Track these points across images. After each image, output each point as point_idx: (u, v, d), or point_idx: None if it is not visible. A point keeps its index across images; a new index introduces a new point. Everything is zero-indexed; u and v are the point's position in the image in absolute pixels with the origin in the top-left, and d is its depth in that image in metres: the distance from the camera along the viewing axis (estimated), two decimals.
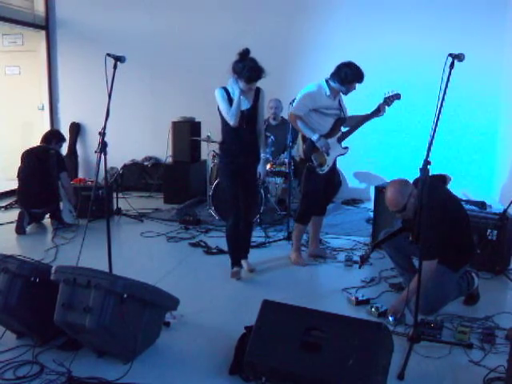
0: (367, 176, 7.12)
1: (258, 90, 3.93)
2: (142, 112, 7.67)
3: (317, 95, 4.14)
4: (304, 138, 4.23)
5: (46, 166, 5.38)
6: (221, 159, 4.10)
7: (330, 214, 5.51)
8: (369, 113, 4.27)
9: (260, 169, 4.07)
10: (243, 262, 4.21)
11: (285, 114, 5.94)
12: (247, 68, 3.69)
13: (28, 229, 5.40)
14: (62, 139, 5.81)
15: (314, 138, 4.13)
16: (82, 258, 3.20)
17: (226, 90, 3.84)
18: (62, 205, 5.54)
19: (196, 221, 5.65)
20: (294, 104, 4.26)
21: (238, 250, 4.16)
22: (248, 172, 4.00)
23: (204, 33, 7.11)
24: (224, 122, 3.89)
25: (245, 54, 3.77)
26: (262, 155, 4.07)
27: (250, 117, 3.89)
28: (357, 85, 4.17)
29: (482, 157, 6.64)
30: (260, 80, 3.80)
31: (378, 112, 4.25)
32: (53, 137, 5.70)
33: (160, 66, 7.48)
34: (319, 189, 4.30)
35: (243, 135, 3.89)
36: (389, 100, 4.25)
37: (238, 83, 3.76)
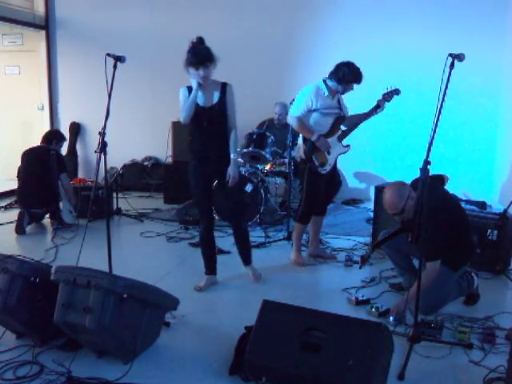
0: (367, 176, 7.11)
1: (224, 87, 3.65)
2: (142, 112, 7.66)
3: (315, 96, 4.13)
4: (305, 139, 4.23)
5: (46, 166, 5.38)
6: (191, 160, 3.79)
7: (329, 214, 5.50)
8: (368, 110, 4.27)
9: (230, 170, 3.66)
10: (248, 269, 4.06)
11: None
12: (192, 52, 3.46)
13: (28, 229, 5.39)
14: (63, 139, 5.81)
15: (313, 137, 4.13)
16: (82, 258, 3.19)
17: (189, 88, 3.60)
18: (61, 205, 5.54)
19: (196, 221, 5.62)
20: (293, 105, 4.27)
21: (212, 257, 3.95)
22: (223, 175, 3.71)
23: (204, 33, 7.04)
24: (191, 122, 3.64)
25: (197, 43, 3.53)
26: (232, 155, 3.68)
27: (212, 115, 3.60)
28: (355, 85, 4.18)
29: (482, 157, 6.63)
30: (210, 65, 3.47)
31: (377, 108, 4.25)
32: (53, 137, 5.70)
33: (160, 66, 7.47)
34: (320, 189, 4.30)
35: (209, 135, 3.64)
36: (387, 96, 4.26)
37: (190, 74, 3.51)
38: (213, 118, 3.62)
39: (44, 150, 5.49)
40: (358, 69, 4.11)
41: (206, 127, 3.61)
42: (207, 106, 3.61)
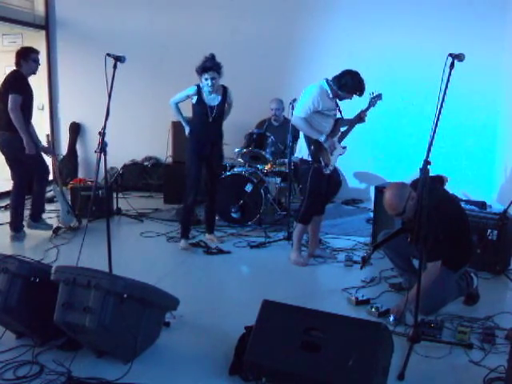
0: (367, 176, 7.12)
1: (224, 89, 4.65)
2: (142, 112, 7.65)
3: (321, 97, 4.11)
4: (309, 139, 4.20)
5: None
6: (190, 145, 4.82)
7: (330, 214, 5.50)
8: (352, 118, 4.36)
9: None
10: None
11: (286, 114, 5.94)
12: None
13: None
14: (32, 52, 4.75)
15: (322, 138, 4.11)
16: (82, 257, 3.20)
17: (197, 86, 4.66)
18: (60, 206, 5.51)
19: (196, 221, 5.64)
20: (298, 105, 4.22)
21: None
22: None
23: (204, 33, 7.10)
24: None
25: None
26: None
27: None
28: (354, 97, 4.17)
29: (482, 157, 6.63)
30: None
31: (359, 120, 4.33)
32: (19, 57, 4.70)
33: (160, 66, 7.47)
34: (323, 189, 4.30)
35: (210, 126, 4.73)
36: (374, 100, 4.36)
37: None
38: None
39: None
40: (361, 81, 4.10)
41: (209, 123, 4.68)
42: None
